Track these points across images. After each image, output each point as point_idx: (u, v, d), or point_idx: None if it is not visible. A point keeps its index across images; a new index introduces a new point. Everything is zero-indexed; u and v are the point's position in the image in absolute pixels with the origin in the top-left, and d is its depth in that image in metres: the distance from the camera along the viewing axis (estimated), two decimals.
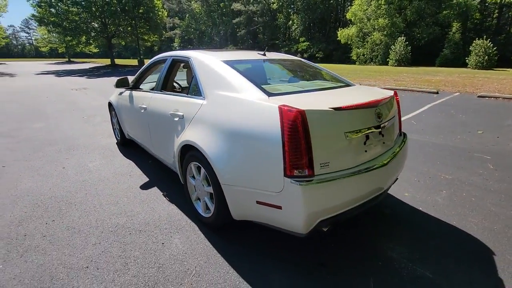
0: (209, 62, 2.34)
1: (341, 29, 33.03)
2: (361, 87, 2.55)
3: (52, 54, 72.89)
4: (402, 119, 6.15)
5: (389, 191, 2.91)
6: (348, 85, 2.61)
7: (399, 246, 2.09)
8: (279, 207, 1.66)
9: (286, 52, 43.39)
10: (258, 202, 1.77)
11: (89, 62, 43.55)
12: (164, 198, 2.80)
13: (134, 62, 34.53)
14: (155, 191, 2.94)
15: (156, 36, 32.06)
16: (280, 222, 1.73)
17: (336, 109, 1.68)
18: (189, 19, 59.40)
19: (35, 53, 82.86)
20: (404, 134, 2.54)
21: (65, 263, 1.91)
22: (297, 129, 1.55)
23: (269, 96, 1.84)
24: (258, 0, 46.83)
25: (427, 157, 3.91)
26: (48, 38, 39.32)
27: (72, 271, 1.84)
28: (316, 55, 38.89)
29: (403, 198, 2.80)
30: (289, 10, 46.21)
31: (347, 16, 31.99)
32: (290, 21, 44.10)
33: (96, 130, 5.41)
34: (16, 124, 5.86)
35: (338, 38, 33.18)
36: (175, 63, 2.89)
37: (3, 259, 1.95)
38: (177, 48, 62.40)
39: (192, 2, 58.39)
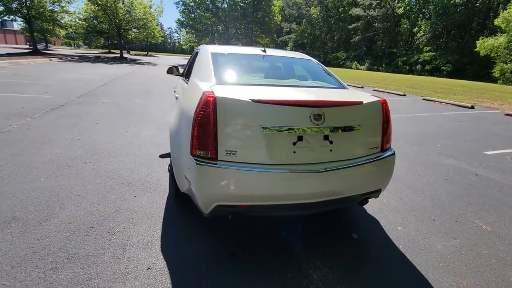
0: (203, 53, 2.65)
1: (483, 38, 26.60)
2: (346, 91, 2.29)
3: (191, 51, 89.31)
4: (499, 151, 4.74)
5: (378, 219, 2.49)
6: (337, 87, 2.40)
7: (328, 270, 1.85)
8: (190, 183, 1.82)
9: (404, 63, 38.43)
10: (185, 177, 1.97)
11: None
12: (167, 167, 3.31)
13: None
14: (165, 161, 3.50)
15: (268, 39, 34.55)
16: (192, 197, 1.89)
17: (254, 101, 1.68)
18: (306, 24, 60.59)
19: (180, 50, 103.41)
20: (390, 151, 2.13)
21: (70, 188, 2.65)
22: (206, 113, 1.67)
23: (215, 84, 1.99)
24: (381, 4, 43.22)
25: (480, 200, 2.99)
26: (188, 38, 48.28)
27: (70, 194, 2.55)
28: (442, 68, 32.79)
29: (391, 230, 2.35)
30: (420, 16, 40.53)
31: (496, 23, 25.43)
32: (416, 28, 38.71)
33: (169, 109, 6.61)
34: (127, 98, 7.79)
35: (476, 49, 26.91)
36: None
37: (47, 176, 2.87)
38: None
39: (312, 8, 59.29)
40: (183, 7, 31.60)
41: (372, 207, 2.71)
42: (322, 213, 2.54)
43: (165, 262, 1.82)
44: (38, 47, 36.23)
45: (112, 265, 1.76)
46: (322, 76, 2.65)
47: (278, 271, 1.81)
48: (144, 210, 2.39)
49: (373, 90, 13.51)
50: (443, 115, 8.07)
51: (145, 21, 29.51)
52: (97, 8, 27.27)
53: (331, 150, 1.85)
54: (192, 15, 31.70)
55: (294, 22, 67.03)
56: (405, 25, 40.91)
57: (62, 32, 46.25)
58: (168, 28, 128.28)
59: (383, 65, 41.45)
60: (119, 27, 29.12)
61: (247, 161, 1.71)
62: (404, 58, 38.50)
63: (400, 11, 40.67)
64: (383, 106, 2.05)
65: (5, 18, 25.16)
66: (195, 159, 1.69)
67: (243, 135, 1.70)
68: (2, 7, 22.94)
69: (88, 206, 2.39)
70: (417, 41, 38.72)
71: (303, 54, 3.12)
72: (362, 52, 48.09)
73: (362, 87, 14.36)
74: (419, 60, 35.36)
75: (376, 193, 2.12)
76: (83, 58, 25.05)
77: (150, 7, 29.60)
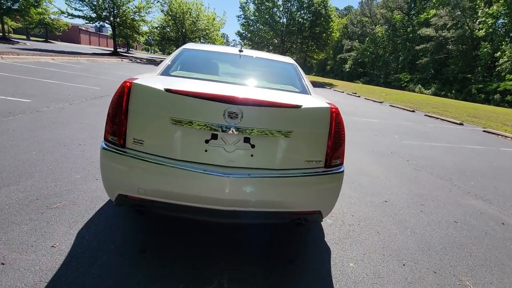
0: (178, 49, 2.67)
1: None
2: (300, 95, 2.03)
3: None
4: None
5: (333, 249, 2.13)
6: (299, 92, 2.16)
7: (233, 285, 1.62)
8: None
9: (479, 90, 33.78)
10: None
11: None
12: None
13: None
14: None
15: (322, 54, 34.03)
16: None
17: (167, 90, 1.60)
18: (369, 43, 58.14)
19: None
20: (337, 169, 1.79)
21: (49, 163, 2.88)
22: (119, 99, 1.64)
23: (156, 75, 1.98)
24: (458, 25, 39.16)
25: (489, 254, 2.35)
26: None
27: (45, 168, 2.77)
28: None
29: (339, 265, 1.97)
30: (506, 39, 35.40)
31: None
32: (499, 53, 33.89)
33: None
34: None
35: None
36: None
37: (39, 151, 3.19)
38: (347, 69, 62.94)
39: (377, 26, 56.76)
40: (244, 20, 33.31)
41: (333, 234, 2.33)
42: (265, 226, 2.27)
43: (72, 245, 1.81)
44: (121, 50, 41.89)
45: (25, 236, 1.82)
46: (292, 81, 2.42)
47: (173, 279, 1.65)
48: (94, 193, 2.46)
49: (425, 115, 12.09)
50: (500, 151, 6.74)
51: (207, 31, 31.85)
52: (169, 18, 30.50)
53: (252, 155, 1.65)
54: (251, 28, 33.16)
55: (357, 40, 64.89)
56: (485, 49, 36.13)
57: (141, 39, 52.70)
58: (233, 40, 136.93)
59: (453, 91, 37.02)
60: (185, 36, 31.98)
61: (152, 152, 1.62)
62: (480, 86, 33.84)
63: (481, 33, 36.15)
64: (333, 116, 1.76)
65: (96, 24, 29.89)
66: (105, 144, 1.67)
67: (153, 125, 1.62)
68: (94, 14, 27.27)
69: (50, 181, 2.56)
70: (499, 68, 33.77)
71: (289, 58, 2.92)
72: (429, 75, 43.83)
73: (413, 111, 12.98)
74: (499, 89, 30.69)
75: (314, 215, 1.81)
76: (150, 61, 28.05)
77: (214, 19, 31.91)
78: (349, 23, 67.86)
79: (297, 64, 2.78)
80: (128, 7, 28.51)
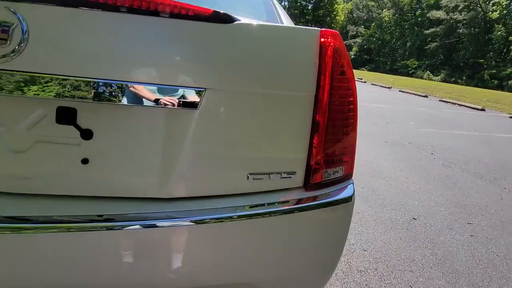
0: None
1: None
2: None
3: None
4: None
5: None
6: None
7: None
8: None
9: (492, 76, 32.08)
10: None
11: None
12: None
13: None
14: None
15: None
16: None
17: None
18: (375, 28, 55.88)
19: None
20: (338, 189, 0.71)
21: None
22: None
23: None
24: (470, 7, 37.02)
25: None
26: None
27: None
28: None
29: None
30: None
31: None
32: None
33: None
34: None
35: None
36: None
37: None
38: (352, 56, 61.17)
39: (384, 10, 54.38)
40: None
41: None
42: None
43: None
44: None
45: None
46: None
47: None
48: None
49: (440, 100, 10.83)
50: None
51: None
52: None
53: (86, 162, 0.56)
54: None
55: (362, 26, 62.48)
56: (499, 32, 34.19)
57: None
58: None
59: (464, 78, 35.31)
60: None
61: None
62: (493, 71, 32.12)
63: (495, 15, 34.15)
64: (327, 52, 0.65)
65: None
66: None
67: None
68: None
69: None
70: None
71: None
72: (438, 61, 41.96)
73: (426, 96, 11.72)
74: None
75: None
76: None
77: None
78: (355, 7, 65.29)
79: None
80: None
